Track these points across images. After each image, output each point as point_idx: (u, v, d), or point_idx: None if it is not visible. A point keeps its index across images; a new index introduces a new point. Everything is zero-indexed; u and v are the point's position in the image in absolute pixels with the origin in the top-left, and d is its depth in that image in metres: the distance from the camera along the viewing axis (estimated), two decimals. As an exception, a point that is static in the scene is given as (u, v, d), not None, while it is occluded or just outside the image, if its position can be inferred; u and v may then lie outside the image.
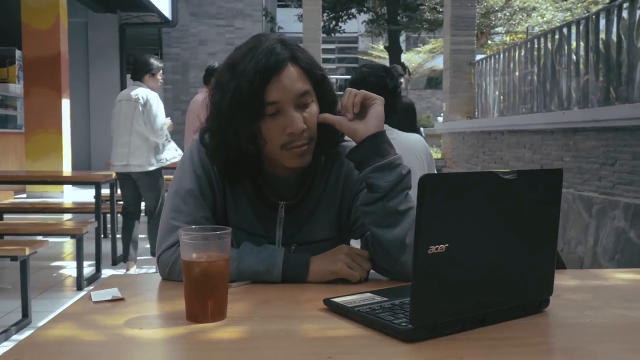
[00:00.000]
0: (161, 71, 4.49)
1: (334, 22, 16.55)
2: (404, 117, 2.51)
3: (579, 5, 15.26)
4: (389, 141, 1.21)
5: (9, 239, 3.90)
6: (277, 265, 1.16)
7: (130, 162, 4.34)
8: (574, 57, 5.32)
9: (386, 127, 2.24)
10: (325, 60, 19.25)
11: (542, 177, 1.02)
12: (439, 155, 9.02)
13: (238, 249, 1.20)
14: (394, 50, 15.66)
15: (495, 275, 0.94)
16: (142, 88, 4.37)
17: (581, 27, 5.10)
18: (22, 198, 7.90)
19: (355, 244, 1.32)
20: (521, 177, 0.94)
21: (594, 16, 4.92)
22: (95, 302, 1.02)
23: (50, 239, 3.89)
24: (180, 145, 5.02)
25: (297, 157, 1.18)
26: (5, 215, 5.18)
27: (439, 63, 15.78)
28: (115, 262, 4.81)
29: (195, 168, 1.24)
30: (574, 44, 5.33)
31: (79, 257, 3.99)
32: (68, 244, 5.47)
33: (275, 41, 1.18)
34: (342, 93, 1.27)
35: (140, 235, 4.64)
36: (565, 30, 5.50)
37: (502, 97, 7.33)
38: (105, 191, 4.71)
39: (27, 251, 3.14)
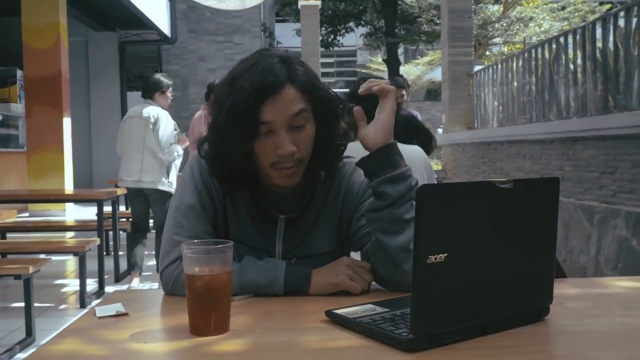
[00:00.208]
0: (170, 88, 4.59)
1: (332, 36, 16.66)
2: (402, 129, 2.52)
3: (576, 14, 15.35)
4: (400, 152, 1.22)
5: (12, 257, 3.91)
6: (279, 278, 1.17)
7: (142, 178, 4.43)
8: (571, 66, 5.35)
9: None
10: (324, 74, 19.32)
11: (539, 186, 1.03)
12: (440, 167, 9.03)
13: (240, 262, 1.21)
14: (393, 63, 15.74)
15: (494, 284, 0.95)
16: (152, 106, 4.47)
17: (578, 37, 5.13)
18: (24, 217, 7.92)
19: (356, 256, 1.33)
20: (518, 186, 0.95)
21: (590, 25, 4.96)
22: (100, 318, 1.03)
23: (53, 257, 3.90)
24: (184, 160, 5.07)
25: (285, 177, 1.20)
26: (8, 234, 5.19)
27: (437, 75, 15.84)
28: (118, 279, 4.81)
29: (196, 183, 1.26)
30: (571, 53, 5.36)
31: (82, 275, 4.00)
32: (71, 262, 5.47)
33: (276, 59, 1.19)
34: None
35: (145, 252, 4.67)
36: (562, 39, 5.54)
37: (501, 108, 7.36)
38: (108, 208, 4.72)
39: (31, 269, 3.15)
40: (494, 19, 14.32)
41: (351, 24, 16.89)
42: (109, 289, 4.47)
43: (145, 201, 4.58)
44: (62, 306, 4.10)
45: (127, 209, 6.85)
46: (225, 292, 0.97)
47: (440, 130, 9.15)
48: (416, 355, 0.86)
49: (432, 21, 14.12)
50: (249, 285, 1.17)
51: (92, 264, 4.39)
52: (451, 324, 0.90)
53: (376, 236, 1.20)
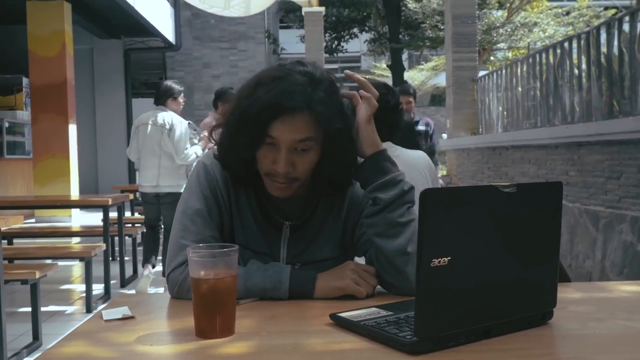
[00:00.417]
0: (182, 94, 4.72)
1: (336, 42, 16.72)
2: (403, 134, 2.52)
3: (581, 19, 15.35)
4: (390, 159, 1.25)
5: (19, 262, 3.93)
6: (284, 282, 1.18)
7: (160, 183, 4.58)
8: (576, 71, 5.35)
9: (389, 144, 2.27)
10: (329, 80, 19.23)
11: (542, 190, 1.04)
12: (444, 172, 9.03)
13: (245, 266, 1.22)
14: (397, 69, 15.77)
15: (498, 288, 0.96)
16: (166, 112, 4.60)
17: (582, 42, 5.14)
18: (30, 223, 7.95)
19: (361, 261, 1.34)
20: (521, 190, 0.95)
21: (594, 30, 4.96)
22: (106, 321, 1.04)
23: (60, 262, 3.92)
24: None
25: (276, 189, 1.22)
26: (14, 240, 5.22)
27: (441, 80, 15.85)
28: (123, 285, 4.83)
29: (202, 189, 1.27)
30: (575, 58, 5.36)
31: (88, 280, 4.02)
32: (77, 267, 5.50)
33: (304, 79, 1.18)
34: None
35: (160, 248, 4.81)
36: (566, 44, 5.54)
37: (505, 113, 7.36)
38: (113, 214, 4.75)
39: (37, 274, 3.17)
40: (498, 25, 14.33)
41: (355, 30, 16.95)
42: (114, 293, 4.49)
43: (159, 207, 4.71)
44: (68, 311, 4.12)
45: (132, 214, 6.88)
46: (230, 295, 0.98)
47: (444, 136, 9.14)
48: (420, 357, 0.86)
49: (436, 27, 14.15)
50: (254, 289, 1.18)
51: (97, 269, 4.41)
52: (455, 326, 0.91)
53: (374, 241, 1.22)
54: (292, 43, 17.09)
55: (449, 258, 0.88)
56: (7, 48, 10.40)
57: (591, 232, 4.51)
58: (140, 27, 10.97)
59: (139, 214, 6.99)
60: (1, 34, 10.49)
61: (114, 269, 4.81)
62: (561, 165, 5.16)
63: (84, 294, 4.13)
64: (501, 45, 15.14)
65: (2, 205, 4.92)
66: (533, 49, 10.49)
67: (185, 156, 4.55)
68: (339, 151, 1.22)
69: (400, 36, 16.02)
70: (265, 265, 1.21)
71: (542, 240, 1.00)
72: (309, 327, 1.03)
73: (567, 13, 15.81)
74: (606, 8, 16.98)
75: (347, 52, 17.62)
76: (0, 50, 10.45)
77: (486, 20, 14.03)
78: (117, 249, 5.40)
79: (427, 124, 5.41)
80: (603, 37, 4.76)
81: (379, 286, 1.23)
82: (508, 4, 14.68)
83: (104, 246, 4.31)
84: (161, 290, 4.62)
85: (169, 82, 4.74)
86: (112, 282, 4.56)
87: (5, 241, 4.96)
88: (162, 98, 4.63)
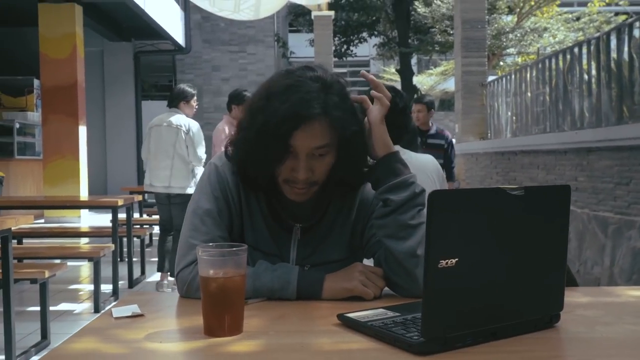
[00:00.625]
0: (195, 97, 4.80)
1: (345, 46, 16.73)
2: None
3: (591, 25, 15.30)
4: (402, 161, 1.25)
5: (28, 262, 3.96)
6: (292, 282, 1.18)
7: (171, 184, 4.64)
8: (585, 76, 5.33)
9: (398, 147, 2.28)
10: (338, 84, 19.26)
11: (550, 194, 1.04)
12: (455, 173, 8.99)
13: (254, 267, 1.22)
14: (406, 73, 15.76)
15: (505, 290, 0.96)
16: (180, 115, 4.68)
17: (592, 47, 5.12)
18: (40, 223, 8.01)
19: (369, 263, 1.35)
20: (529, 193, 0.96)
21: (605, 36, 4.95)
22: (116, 318, 1.06)
23: (69, 262, 3.95)
24: None
25: (295, 194, 1.23)
26: (24, 240, 5.26)
27: (450, 85, 15.84)
28: (131, 285, 4.85)
29: (212, 189, 1.28)
30: (585, 63, 5.35)
31: (96, 280, 4.04)
32: (85, 267, 5.53)
33: (316, 85, 1.18)
34: None
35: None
36: (576, 50, 5.53)
37: (514, 118, 7.34)
38: (122, 215, 4.78)
39: (47, 274, 3.20)
40: (507, 30, 14.31)
41: (364, 34, 16.96)
42: (122, 294, 4.51)
43: (170, 207, 4.79)
44: (77, 310, 4.14)
45: (141, 215, 6.91)
46: (239, 294, 0.99)
47: (453, 140, 9.13)
48: (427, 358, 0.87)
49: (446, 31, 14.14)
50: (262, 289, 1.18)
51: (106, 270, 4.44)
52: (462, 328, 0.91)
53: (384, 242, 1.23)
54: (301, 47, 17.13)
55: (457, 259, 0.88)
56: (19, 50, 10.50)
57: (600, 238, 4.49)
58: (151, 30, 11.05)
59: (148, 215, 7.04)
60: (13, 36, 10.59)
61: (122, 269, 4.84)
62: (570, 170, 5.14)
63: (92, 294, 4.16)
64: (511, 50, 15.11)
65: (12, 205, 4.96)
66: (543, 54, 10.46)
67: (203, 158, 4.65)
68: (354, 152, 1.23)
69: (409, 40, 16.01)
70: (273, 266, 1.22)
71: (549, 242, 1.01)
72: (317, 327, 1.03)
73: (578, 18, 15.76)
74: (617, 14, 16.92)
75: (356, 56, 17.62)
76: (12, 52, 10.55)
77: (496, 25, 14.01)
78: (125, 250, 5.44)
79: (445, 137, 5.06)
80: (613, 42, 4.75)
81: (386, 288, 1.23)
82: (518, 9, 14.66)
83: (112, 247, 4.34)
84: (169, 289, 4.65)
85: (182, 86, 4.84)
86: (120, 282, 4.59)
87: (15, 241, 5.00)
88: (175, 101, 4.72)
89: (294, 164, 1.19)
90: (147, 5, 9.51)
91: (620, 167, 4.34)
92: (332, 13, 11.88)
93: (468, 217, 0.91)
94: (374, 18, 16.34)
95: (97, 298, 4.04)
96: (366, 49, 19.07)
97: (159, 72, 14.68)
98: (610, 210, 4.42)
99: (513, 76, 7.43)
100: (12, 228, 2.85)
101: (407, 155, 2.32)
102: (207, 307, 0.98)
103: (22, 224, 3.05)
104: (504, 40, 14.28)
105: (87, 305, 4.27)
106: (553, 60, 6.09)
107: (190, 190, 4.63)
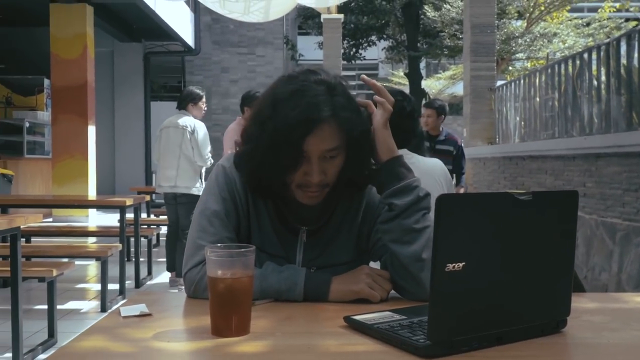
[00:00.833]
0: (203, 99, 4.88)
1: (354, 49, 16.75)
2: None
3: (601, 31, 15.23)
4: (406, 165, 1.26)
5: (36, 260, 3.99)
6: (299, 284, 1.19)
7: (177, 183, 4.72)
8: (595, 82, 5.31)
9: (405, 151, 2.28)
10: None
11: (557, 199, 1.04)
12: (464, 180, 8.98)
13: (261, 268, 1.23)
14: (414, 77, 15.75)
15: (511, 294, 0.96)
16: (188, 117, 4.78)
17: (602, 53, 5.10)
18: (48, 222, 8.05)
19: (375, 266, 1.35)
20: (537, 198, 0.96)
21: (615, 42, 4.93)
22: (124, 317, 1.06)
23: (76, 262, 3.97)
24: None
25: (308, 198, 1.24)
26: (32, 238, 5.30)
27: (459, 89, 15.80)
28: (138, 285, 4.88)
29: (220, 191, 1.29)
30: (595, 69, 5.33)
31: (104, 280, 4.06)
32: (92, 267, 5.56)
33: (321, 88, 1.19)
34: None
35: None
36: (586, 55, 5.51)
37: (523, 123, 7.32)
38: (130, 215, 4.80)
39: (54, 272, 3.22)
40: (517, 35, 14.25)
41: (373, 38, 16.96)
42: (129, 294, 4.53)
43: (176, 207, 4.85)
44: (84, 309, 4.16)
45: (148, 216, 6.94)
46: (246, 295, 0.99)
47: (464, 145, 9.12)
48: (433, 361, 0.87)
49: (455, 36, 14.10)
50: (269, 290, 1.19)
51: (113, 270, 4.46)
52: (468, 332, 0.91)
53: (390, 247, 1.23)
54: (310, 49, 17.15)
55: (464, 263, 0.88)
56: (30, 49, 10.58)
57: (608, 244, 4.46)
58: (161, 31, 11.11)
59: (155, 215, 7.07)
60: (24, 36, 10.67)
61: (129, 269, 4.86)
62: (578, 176, 5.12)
63: (99, 294, 4.18)
64: (520, 55, 15.06)
65: (21, 203, 5.00)
66: (552, 60, 10.43)
67: (207, 158, 4.72)
68: (362, 152, 1.24)
69: (418, 44, 16.00)
70: (280, 267, 1.23)
71: (557, 248, 1.01)
72: (323, 328, 1.04)
73: (588, 24, 15.69)
74: (627, 20, 16.84)
75: (364, 59, 17.63)
76: (23, 52, 10.63)
77: (505, 30, 13.97)
78: (132, 249, 5.46)
79: (454, 144, 4.95)
80: (623, 48, 4.73)
81: (393, 291, 1.24)
82: (527, 14, 14.61)
83: (120, 246, 4.36)
84: (174, 290, 4.67)
85: (191, 88, 4.96)
86: (127, 282, 4.61)
87: (24, 239, 5.03)
88: (183, 103, 4.82)
89: (307, 168, 1.20)
90: (158, 7, 9.56)
91: (629, 173, 4.32)
92: (341, 16, 11.88)
93: (475, 222, 0.91)
94: (383, 21, 16.34)
95: (104, 297, 4.06)
96: (375, 52, 19.05)
97: (168, 73, 14.75)
98: (619, 216, 4.40)
99: (522, 81, 7.41)
100: (21, 226, 2.87)
101: (414, 159, 2.32)
102: (215, 308, 0.98)
103: (31, 222, 3.07)
104: (514, 45, 14.23)
105: (94, 304, 4.29)
106: (562, 66, 6.07)
107: (196, 190, 4.69)
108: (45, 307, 3.38)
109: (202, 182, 4.79)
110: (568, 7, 15.12)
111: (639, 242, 4.04)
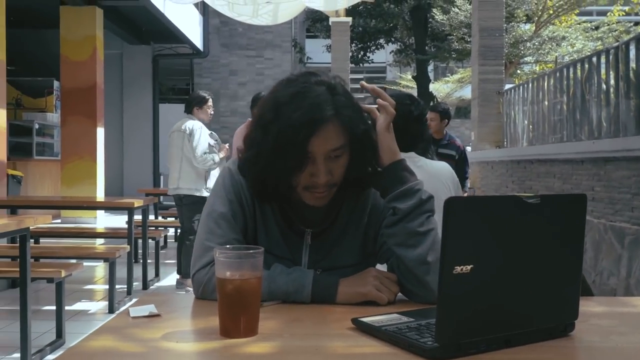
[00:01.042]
0: (209, 102, 4.94)
1: (362, 53, 16.76)
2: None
3: (610, 34, 15.17)
4: (408, 168, 1.26)
5: (45, 261, 4.01)
6: (306, 286, 1.19)
7: (180, 185, 4.79)
8: (604, 86, 5.29)
9: (412, 155, 2.28)
10: (353, 90, 19.29)
11: (566, 202, 1.04)
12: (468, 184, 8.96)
13: (269, 270, 1.24)
14: (422, 80, 15.74)
15: (519, 297, 0.96)
16: (190, 120, 4.84)
17: (611, 56, 5.09)
18: (57, 223, 8.09)
19: (382, 268, 1.35)
20: (545, 201, 0.96)
21: (624, 45, 4.91)
22: (133, 318, 1.07)
23: (84, 263, 3.99)
24: None
25: (316, 199, 1.24)
26: (41, 239, 5.33)
27: (467, 93, 15.78)
28: (146, 287, 4.89)
29: (227, 193, 1.29)
30: (604, 73, 5.31)
31: (112, 281, 4.08)
32: (100, 268, 5.58)
33: (322, 88, 1.20)
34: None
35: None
36: (594, 59, 5.49)
37: (531, 127, 7.30)
38: (138, 217, 4.82)
39: (63, 273, 3.24)
40: (525, 38, 14.22)
41: (381, 41, 16.97)
42: (137, 295, 4.55)
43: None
44: (92, 310, 4.18)
45: (156, 217, 6.97)
46: (255, 296, 1.00)
47: (469, 148, 9.10)
48: (440, 363, 0.87)
49: (463, 39, 14.08)
50: (277, 292, 1.19)
51: (121, 271, 4.48)
52: (476, 334, 0.91)
53: (395, 250, 1.23)
54: (318, 52, 17.17)
55: (472, 266, 0.88)
56: (39, 51, 10.65)
57: (616, 248, 4.44)
58: (170, 34, 11.15)
59: (163, 217, 7.09)
60: (34, 38, 10.74)
61: (137, 271, 4.88)
62: (587, 180, 5.10)
63: (107, 295, 4.20)
64: (528, 58, 15.02)
65: (30, 204, 5.03)
66: (561, 63, 10.40)
67: (203, 160, 4.71)
68: (365, 150, 1.25)
69: (426, 48, 16.00)
70: (289, 269, 1.23)
71: (565, 251, 1.00)
72: (331, 330, 1.04)
73: (597, 28, 15.63)
74: (636, 23, 16.77)
75: (372, 62, 17.63)
76: (33, 54, 10.69)
77: (513, 34, 13.94)
78: (140, 251, 5.49)
79: (456, 148, 4.89)
80: (632, 52, 4.71)
81: (400, 293, 1.24)
82: (536, 18, 14.58)
83: (128, 248, 4.38)
84: (181, 292, 4.68)
85: (197, 92, 5.06)
86: (134, 284, 4.63)
87: (32, 240, 5.07)
88: (189, 107, 4.90)
89: (313, 169, 1.20)
90: (167, 9, 9.61)
91: (638, 177, 4.30)
92: (349, 19, 11.89)
93: (483, 225, 0.91)
94: (391, 25, 16.34)
95: (111, 298, 4.07)
96: (383, 55, 19.05)
97: (176, 75, 14.81)
98: (627, 220, 4.38)
99: (530, 85, 7.39)
100: (30, 227, 2.89)
101: (422, 162, 2.31)
102: (223, 309, 0.99)
103: (40, 223, 3.09)
104: (522, 48, 14.20)
105: (102, 305, 4.31)
106: (571, 69, 6.05)
107: (199, 192, 4.74)
108: (54, 307, 3.40)
109: (206, 183, 4.81)
110: (577, 11, 15.07)
111: (648, 247, 4.01)
